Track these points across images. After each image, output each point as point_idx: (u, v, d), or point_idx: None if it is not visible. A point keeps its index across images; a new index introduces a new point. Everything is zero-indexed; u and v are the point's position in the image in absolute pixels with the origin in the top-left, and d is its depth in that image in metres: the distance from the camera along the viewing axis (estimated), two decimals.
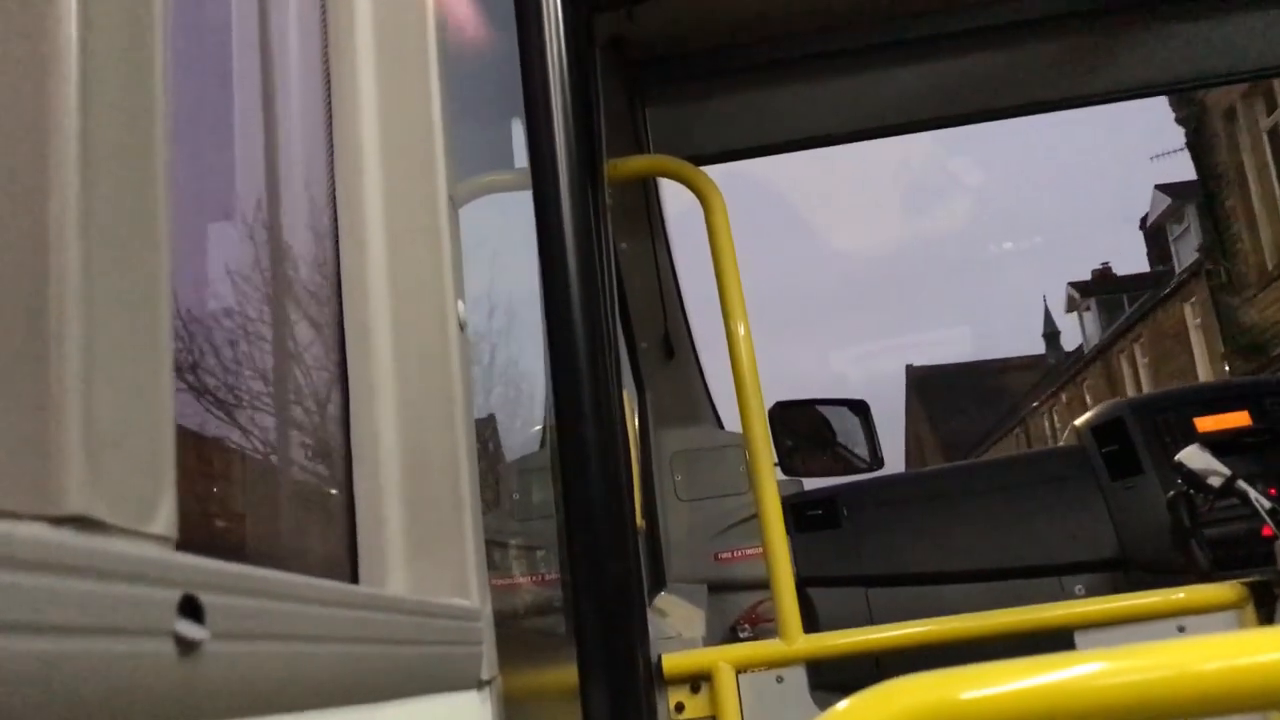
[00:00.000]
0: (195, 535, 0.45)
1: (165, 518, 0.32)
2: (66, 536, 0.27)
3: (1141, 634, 1.67)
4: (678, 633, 2.00)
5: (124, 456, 0.30)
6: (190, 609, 0.31)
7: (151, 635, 0.29)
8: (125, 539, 0.29)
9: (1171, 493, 2.13)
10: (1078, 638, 1.68)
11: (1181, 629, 1.68)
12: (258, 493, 0.58)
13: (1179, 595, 1.70)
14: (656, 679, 1.58)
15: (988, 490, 2.72)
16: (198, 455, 0.52)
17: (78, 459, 0.28)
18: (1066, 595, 2.51)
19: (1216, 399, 2.61)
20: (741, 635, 2.61)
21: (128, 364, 0.31)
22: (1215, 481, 2.08)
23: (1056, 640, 1.66)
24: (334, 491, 0.64)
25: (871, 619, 2.50)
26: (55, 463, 0.27)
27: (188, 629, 0.30)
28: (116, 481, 0.29)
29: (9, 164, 0.28)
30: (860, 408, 2.86)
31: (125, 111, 0.32)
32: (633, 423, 2.49)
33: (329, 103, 0.70)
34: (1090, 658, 0.67)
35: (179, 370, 0.48)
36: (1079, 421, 2.83)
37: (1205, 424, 2.48)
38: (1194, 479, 2.11)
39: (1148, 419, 2.55)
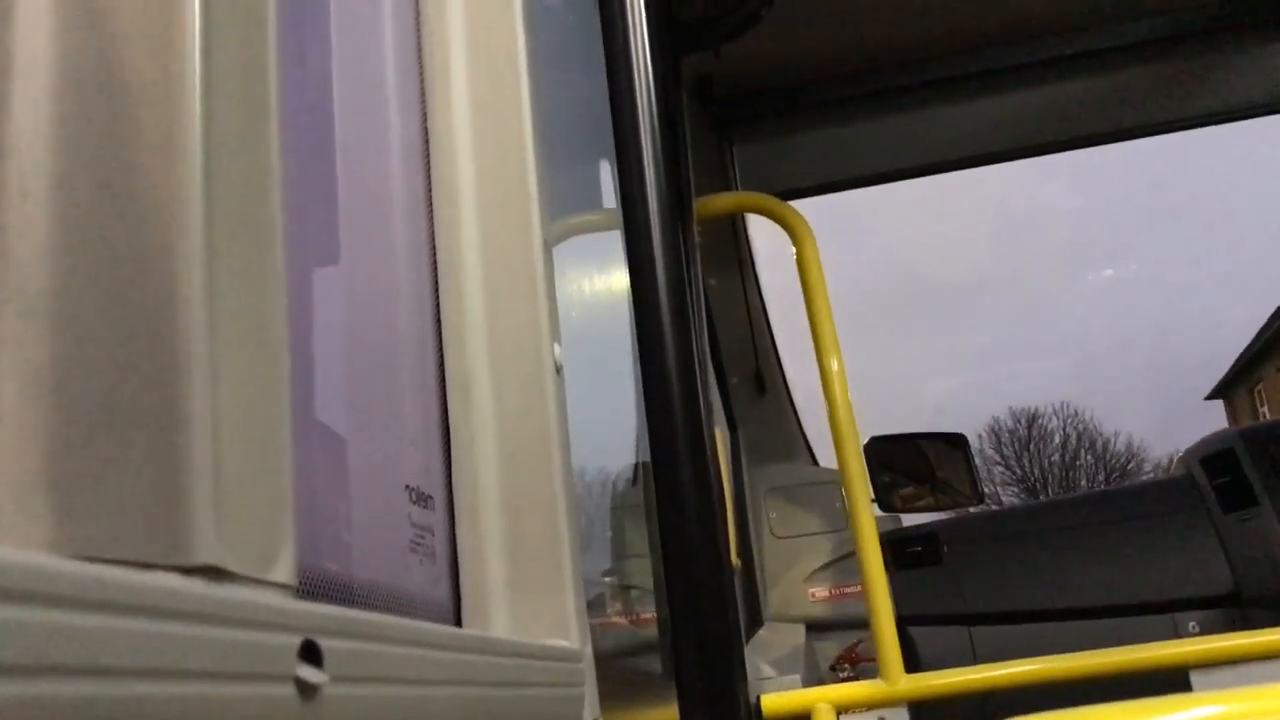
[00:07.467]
0: (309, 581, 0.46)
1: (285, 565, 0.33)
2: (197, 586, 0.28)
3: (1261, 674, 1.60)
4: (775, 673, 1.97)
5: (248, 507, 0.31)
6: (310, 654, 0.32)
7: (275, 680, 0.30)
8: (250, 587, 0.30)
9: None
10: (1194, 678, 1.62)
11: None
12: (364, 538, 0.59)
13: None
14: (756, 719, 1.56)
15: (1094, 524, 2.64)
16: (308, 503, 0.53)
17: (206, 511, 0.29)
18: (1180, 633, 2.42)
19: None
20: (841, 675, 2.57)
21: (252, 417, 0.32)
22: None
23: (1171, 681, 1.60)
24: (436, 534, 0.65)
25: (975, 658, 2.44)
26: (186, 515, 0.28)
27: (308, 673, 0.31)
28: (241, 532, 0.30)
29: (139, 239, 0.29)
30: (958, 441, 2.81)
31: (246, 170, 0.33)
32: (726, 460, 2.49)
33: (426, 149, 0.71)
34: (1210, 700, 0.64)
35: None
36: (1185, 452, 2.74)
37: None
38: None
39: (1260, 449, 2.46)
